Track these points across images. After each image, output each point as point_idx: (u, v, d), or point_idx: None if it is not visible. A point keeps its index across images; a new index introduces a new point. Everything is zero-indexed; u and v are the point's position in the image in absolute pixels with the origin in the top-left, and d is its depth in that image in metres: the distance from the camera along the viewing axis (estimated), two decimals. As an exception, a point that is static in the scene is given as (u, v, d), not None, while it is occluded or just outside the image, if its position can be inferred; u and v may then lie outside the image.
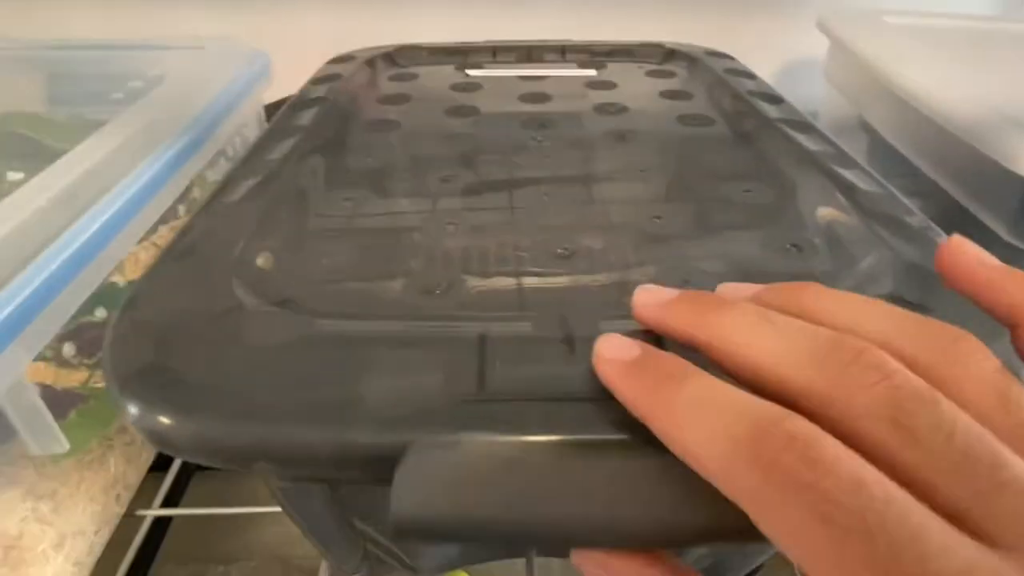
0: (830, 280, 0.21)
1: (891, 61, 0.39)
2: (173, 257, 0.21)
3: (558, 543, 0.14)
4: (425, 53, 0.43)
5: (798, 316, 0.14)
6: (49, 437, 0.25)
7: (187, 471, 0.53)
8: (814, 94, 0.49)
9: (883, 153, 0.40)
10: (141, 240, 0.30)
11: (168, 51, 0.44)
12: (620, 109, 0.35)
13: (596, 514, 0.14)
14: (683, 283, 0.21)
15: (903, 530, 0.10)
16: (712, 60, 0.41)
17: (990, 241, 0.31)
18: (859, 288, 0.20)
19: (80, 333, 0.28)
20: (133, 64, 0.42)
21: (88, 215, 0.26)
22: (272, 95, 0.44)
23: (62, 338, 0.27)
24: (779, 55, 0.60)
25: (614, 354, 0.15)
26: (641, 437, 0.14)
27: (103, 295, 0.27)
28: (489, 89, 0.38)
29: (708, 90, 0.38)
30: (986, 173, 0.31)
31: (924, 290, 0.19)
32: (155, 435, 0.15)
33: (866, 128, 0.43)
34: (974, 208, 0.32)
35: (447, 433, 0.15)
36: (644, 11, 0.59)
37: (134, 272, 0.30)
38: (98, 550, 0.31)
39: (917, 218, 0.23)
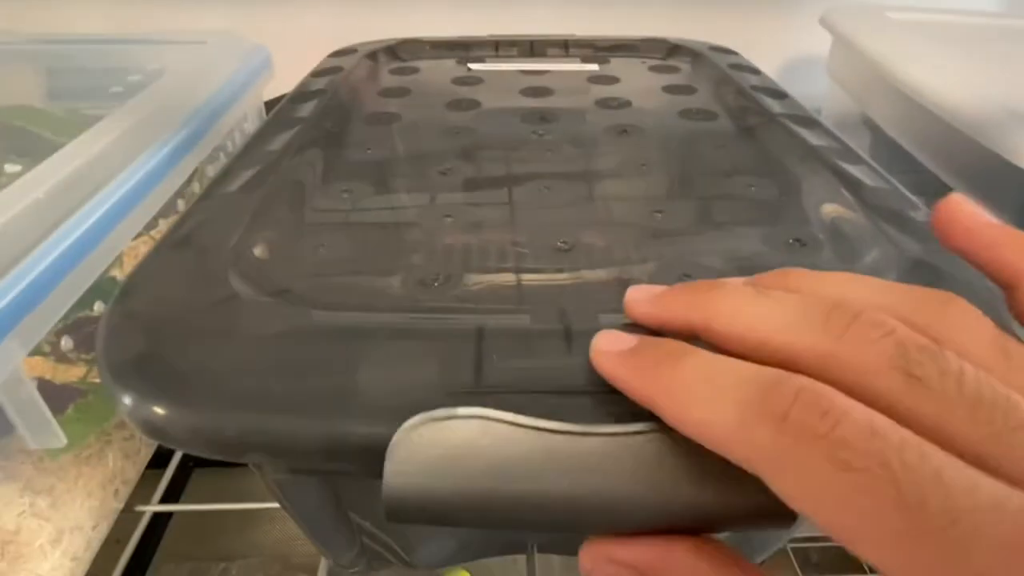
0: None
1: (895, 57, 0.39)
2: (169, 247, 0.21)
3: (555, 522, 0.14)
4: (427, 47, 0.43)
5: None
6: (46, 432, 0.25)
7: (186, 467, 0.54)
8: (817, 90, 0.49)
9: (886, 149, 0.40)
10: (140, 235, 0.30)
11: (168, 45, 0.44)
12: (623, 104, 0.35)
13: (594, 488, 0.13)
14: (683, 278, 0.20)
15: (925, 469, 0.10)
16: (716, 55, 0.41)
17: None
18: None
19: (78, 327, 0.28)
20: (133, 58, 0.42)
21: (85, 208, 0.26)
22: (273, 90, 0.44)
23: (60, 333, 0.27)
24: (782, 51, 0.60)
25: (611, 346, 0.15)
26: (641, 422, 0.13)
27: (102, 289, 0.27)
28: (491, 83, 0.38)
29: (712, 85, 0.37)
30: (990, 168, 0.30)
31: (929, 286, 0.19)
32: (149, 425, 0.15)
33: (869, 124, 0.42)
34: (979, 203, 0.32)
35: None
36: (648, 6, 0.59)
37: (133, 266, 0.30)
38: (96, 545, 0.31)
39: (922, 213, 0.23)
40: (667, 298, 0.15)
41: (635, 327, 0.16)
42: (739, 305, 0.14)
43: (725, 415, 0.12)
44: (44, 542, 0.28)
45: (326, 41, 0.43)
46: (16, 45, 0.45)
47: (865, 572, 0.51)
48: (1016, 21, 0.49)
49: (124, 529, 0.35)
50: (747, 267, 0.21)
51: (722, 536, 0.15)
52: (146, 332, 0.17)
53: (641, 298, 0.16)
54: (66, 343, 0.27)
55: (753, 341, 0.13)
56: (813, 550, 0.54)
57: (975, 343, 0.12)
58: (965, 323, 0.12)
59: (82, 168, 0.27)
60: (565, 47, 0.44)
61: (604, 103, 0.35)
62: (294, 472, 0.19)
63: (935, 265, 0.20)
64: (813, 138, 0.29)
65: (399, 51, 0.43)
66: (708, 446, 0.12)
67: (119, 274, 0.29)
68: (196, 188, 0.36)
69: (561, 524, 0.14)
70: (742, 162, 0.28)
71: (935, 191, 0.35)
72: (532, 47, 0.44)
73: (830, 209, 0.24)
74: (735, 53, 0.42)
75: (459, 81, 0.38)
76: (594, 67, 0.41)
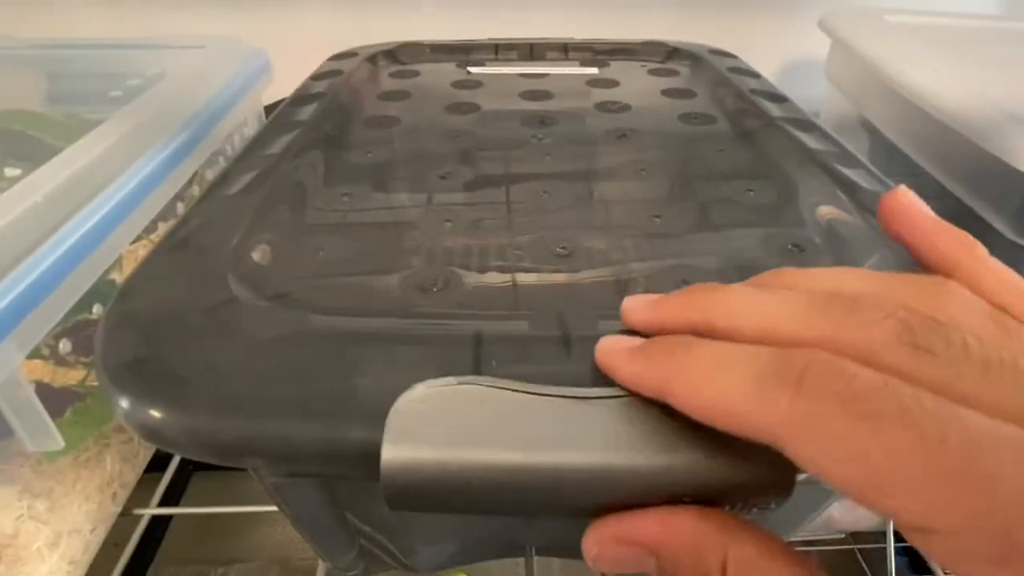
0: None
1: (893, 60, 0.39)
2: (167, 249, 0.21)
3: (559, 489, 0.13)
4: (427, 50, 0.43)
5: None
6: (44, 434, 0.25)
7: (185, 471, 0.53)
8: (816, 93, 0.49)
9: (885, 152, 0.40)
10: (140, 238, 0.30)
11: (168, 50, 0.44)
12: (622, 107, 0.35)
13: (594, 454, 0.13)
14: (681, 283, 0.20)
15: (944, 411, 0.10)
16: (715, 59, 0.41)
17: (993, 239, 0.31)
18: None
19: (77, 331, 0.28)
20: (133, 63, 0.42)
21: (84, 211, 0.26)
22: (272, 94, 0.44)
23: (59, 336, 0.27)
24: (780, 55, 0.60)
25: (618, 344, 0.15)
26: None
27: (101, 292, 0.27)
28: (490, 86, 0.38)
29: (711, 89, 0.37)
30: (989, 171, 0.30)
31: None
32: (146, 428, 0.15)
33: (868, 127, 0.43)
34: (977, 206, 0.32)
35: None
36: (647, 9, 0.59)
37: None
38: (94, 549, 0.31)
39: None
40: (665, 303, 0.15)
41: (633, 335, 0.16)
42: (739, 301, 0.14)
43: (742, 385, 0.12)
44: (42, 545, 0.28)
45: (326, 45, 0.43)
46: (17, 50, 0.45)
47: (865, 574, 0.51)
48: (1013, 23, 0.49)
49: (123, 532, 0.35)
50: (745, 271, 0.21)
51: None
52: (144, 335, 0.17)
53: (638, 306, 0.16)
54: (64, 346, 0.27)
55: (757, 333, 0.13)
56: (812, 553, 0.53)
57: (972, 319, 0.12)
58: (960, 302, 0.13)
59: (81, 171, 0.27)
60: (565, 50, 0.44)
61: (603, 106, 0.35)
62: (292, 476, 0.19)
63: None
64: (812, 142, 0.29)
65: (399, 54, 0.43)
66: (722, 424, 0.12)
67: (118, 277, 0.29)
68: (195, 192, 0.36)
69: (566, 491, 0.13)
70: (741, 166, 0.28)
71: (934, 194, 0.35)
72: (532, 50, 0.44)
73: (828, 212, 0.24)
74: (734, 56, 0.42)
75: (459, 84, 0.38)
76: (593, 70, 0.41)
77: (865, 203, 0.24)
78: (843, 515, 0.47)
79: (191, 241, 0.22)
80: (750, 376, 0.12)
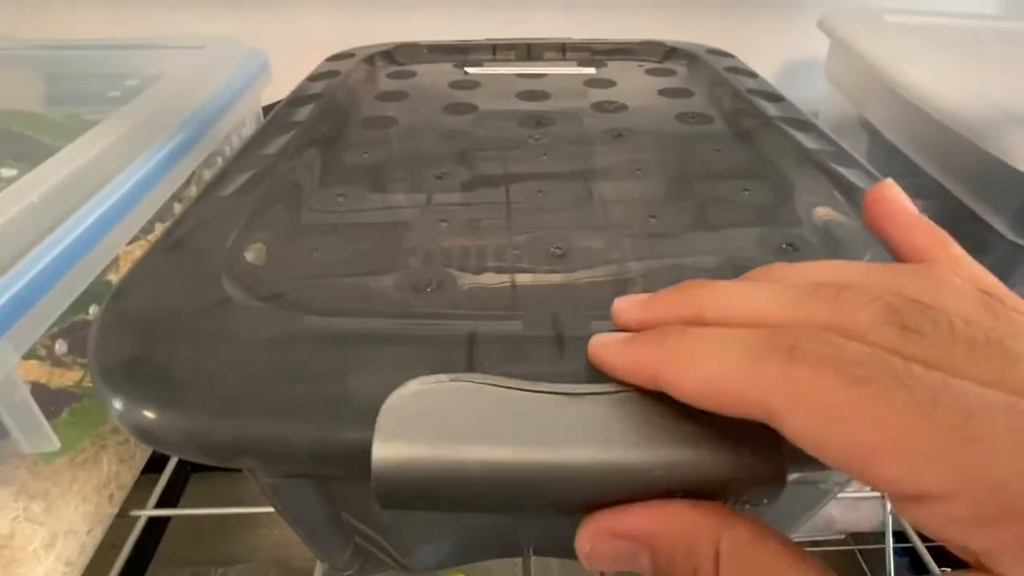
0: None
1: (892, 60, 0.38)
2: (163, 249, 0.21)
3: (551, 485, 0.13)
4: (424, 51, 0.43)
5: None
6: (40, 435, 0.25)
7: (183, 472, 0.53)
8: (815, 94, 0.49)
9: (884, 152, 0.40)
10: (137, 239, 0.30)
11: (166, 50, 0.44)
12: (619, 107, 0.35)
13: (587, 448, 0.13)
14: (676, 283, 0.20)
15: (933, 376, 0.10)
16: (713, 58, 0.41)
17: (993, 239, 0.31)
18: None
19: (73, 331, 0.27)
20: (131, 63, 0.42)
21: (81, 212, 0.26)
22: (271, 95, 0.44)
23: (55, 336, 0.27)
24: (780, 55, 0.60)
25: (610, 338, 0.15)
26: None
27: (97, 293, 0.27)
28: (488, 87, 0.38)
29: (708, 88, 0.37)
30: (988, 171, 0.30)
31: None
32: (140, 429, 0.15)
33: (867, 127, 0.42)
34: (977, 206, 0.32)
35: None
36: (647, 10, 0.59)
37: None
38: (90, 550, 0.31)
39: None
40: (656, 300, 0.15)
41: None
42: (730, 295, 0.14)
43: (734, 359, 0.12)
44: (38, 546, 0.28)
45: (325, 45, 0.43)
46: (15, 50, 0.45)
47: (865, 575, 0.51)
48: (1013, 23, 0.49)
49: (120, 534, 0.35)
50: (742, 271, 0.21)
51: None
52: (138, 335, 0.17)
53: (629, 306, 0.16)
54: (60, 347, 0.27)
55: (747, 323, 0.13)
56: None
57: (959, 302, 0.12)
58: (947, 286, 0.13)
59: (78, 172, 0.27)
60: (562, 50, 0.44)
61: (600, 106, 0.35)
62: (287, 476, 0.19)
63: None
64: (808, 142, 0.29)
65: (396, 55, 0.43)
66: (716, 403, 0.12)
67: (115, 278, 0.29)
68: (193, 192, 0.36)
69: (558, 488, 0.13)
70: (737, 166, 0.28)
71: (932, 194, 0.35)
72: (529, 51, 0.44)
73: (823, 212, 0.24)
74: (732, 56, 0.42)
75: (456, 85, 0.38)
76: (591, 70, 0.41)
77: (860, 202, 0.24)
78: (843, 515, 0.47)
79: (186, 241, 0.21)
80: (742, 351, 0.12)
